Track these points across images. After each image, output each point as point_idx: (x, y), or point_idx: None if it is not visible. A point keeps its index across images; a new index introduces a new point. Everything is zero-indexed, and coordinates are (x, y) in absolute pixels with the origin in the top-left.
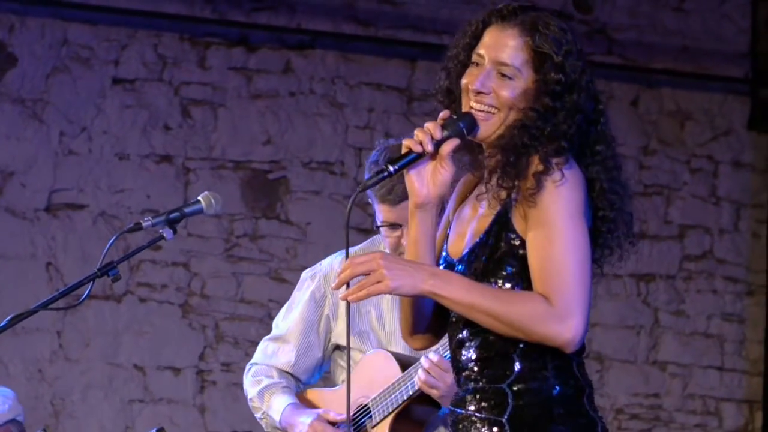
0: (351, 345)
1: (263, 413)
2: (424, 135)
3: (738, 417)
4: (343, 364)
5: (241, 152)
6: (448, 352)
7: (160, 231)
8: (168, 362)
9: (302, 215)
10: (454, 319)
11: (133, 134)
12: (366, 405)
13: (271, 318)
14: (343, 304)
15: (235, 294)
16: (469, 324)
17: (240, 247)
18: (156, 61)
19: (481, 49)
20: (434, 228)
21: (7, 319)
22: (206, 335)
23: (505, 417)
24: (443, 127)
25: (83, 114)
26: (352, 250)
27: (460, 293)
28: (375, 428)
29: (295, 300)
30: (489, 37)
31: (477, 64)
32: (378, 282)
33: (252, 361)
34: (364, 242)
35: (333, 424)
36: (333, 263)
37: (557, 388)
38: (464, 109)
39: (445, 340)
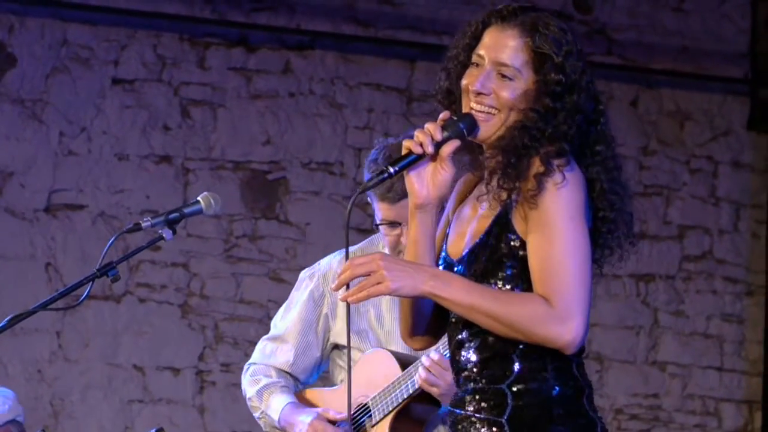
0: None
1: (262, 413)
2: (424, 136)
3: (737, 417)
4: (342, 363)
5: (240, 153)
6: (449, 350)
7: (160, 231)
8: (167, 362)
9: (302, 216)
10: (453, 320)
11: (132, 134)
12: (366, 404)
13: (271, 318)
14: (342, 304)
15: (235, 294)
16: (468, 325)
17: (239, 247)
18: (155, 61)
19: (481, 50)
20: (434, 228)
21: (6, 319)
22: (206, 336)
23: (505, 417)
24: (443, 128)
25: (83, 114)
26: (351, 250)
27: (461, 294)
28: (375, 427)
29: (294, 300)
30: (489, 37)
31: (477, 65)
32: (378, 283)
33: (250, 361)
34: (363, 242)
35: (333, 423)
36: (332, 262)
37: (557, 388)
38: (464, 109)
39: (445, 338)
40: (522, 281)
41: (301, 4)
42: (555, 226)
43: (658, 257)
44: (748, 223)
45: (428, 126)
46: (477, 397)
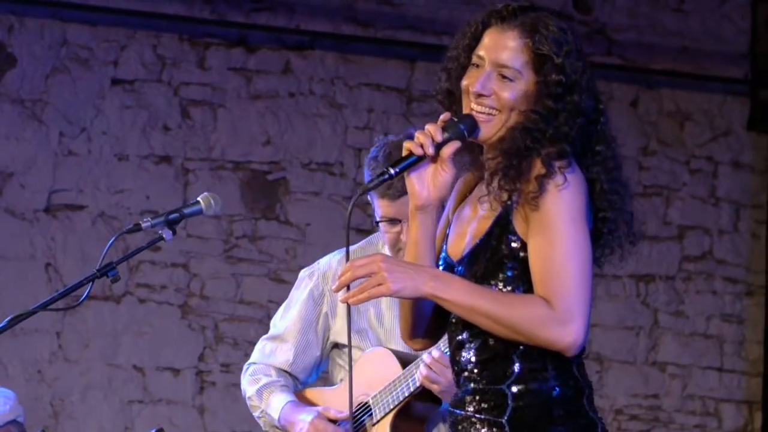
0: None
1: (262, 412)
2: (425, 137)
3: (737, 418)
4: (342, 362)
5: (240, 153)
6: (449, 351)
7: (160, 232)
8: (167, 363)
9: (302, 216)
10: (453, 321)
11: (132, 135)
12: (366, 403)
13: (271, 319)
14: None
15: (235, 295)
16: (468, 326)
17: (239, 248)
18: (155, 61)
19: (481, 51)
20: (435, 229)
21: (6, 320)
22: (206, 336)
23: (505, 418)
24: (444, 129)
25: (83, 114)
26: (350, 249)
27: (461, 296)
28: (376, 426)
29: (293, 299)
30: (489, 38)
31: (477, 66)
32: (379, 285)
33: (250, 361)
34: (362, 241)
35: (334, 422)
36: (331, 262)
37: (557, 389)
38: (465, 110)
39: (446, 336)
40: (523, 282)
41: (300, 5)
42: (556, 228)
43: (658, 258)
44: (748, 224)
45: (429, 127)
46: (477, 397)
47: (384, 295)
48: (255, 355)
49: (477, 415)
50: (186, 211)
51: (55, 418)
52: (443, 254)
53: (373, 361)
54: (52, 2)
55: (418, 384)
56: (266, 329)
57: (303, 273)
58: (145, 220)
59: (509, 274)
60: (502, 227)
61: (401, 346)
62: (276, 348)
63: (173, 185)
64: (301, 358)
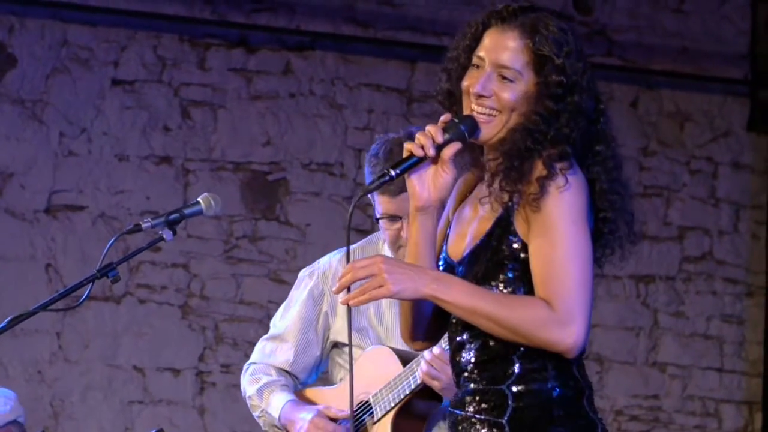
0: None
1: (262, 411)
2: (425, 139)
3: (737, 418)
4: (342, 362)
5: (240, 153)
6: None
7: (160, 232)
8: (167, 363)
9: (302, 216)
10: (453, 321)
11: (132, 135)
12: (367, 401)
13: (270, 319)
14: (341, 297)
15: (235, 295)
16: (468, 326)
17: (239, 248)
18: (155, 62)
19: (481, 52)
20: (435, 230)
21: (6, 320)
22: (206, 336)
23: (505, 418)
24: (444, 130)
25: (83, 115)
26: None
27: (462, 297)
28: (377, 424)
29: (293, 299)
30: (489, 39)
31: (477, 67)
32: (380, 286)
33: (250, 361)
34: (362, 240)
35: (334, 420)
36: (331, 261)
37: (557, 389)
38: (465, 111)
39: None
40: (523, 284)
41: (301, 5)
42: (557, 230)
43: (658, 258)
44: (748, 224)
45: (429, 128)
46: (477, 398)
47: (384, 297)
48: (255, 355)
49: (477, 416)
50: (186, 211)
51: (55, 419)
52: (443, 254)
53: (374, 360)
54: (52, 3)
55: (419, 381)
56: (266, 330)
57: (303, 273)
58: (145, 220)
59: (510, 275)
60: (502, 228)
61: (401, 345)
62: (276, 348)
63: (173, 186)
64: (302, 358)
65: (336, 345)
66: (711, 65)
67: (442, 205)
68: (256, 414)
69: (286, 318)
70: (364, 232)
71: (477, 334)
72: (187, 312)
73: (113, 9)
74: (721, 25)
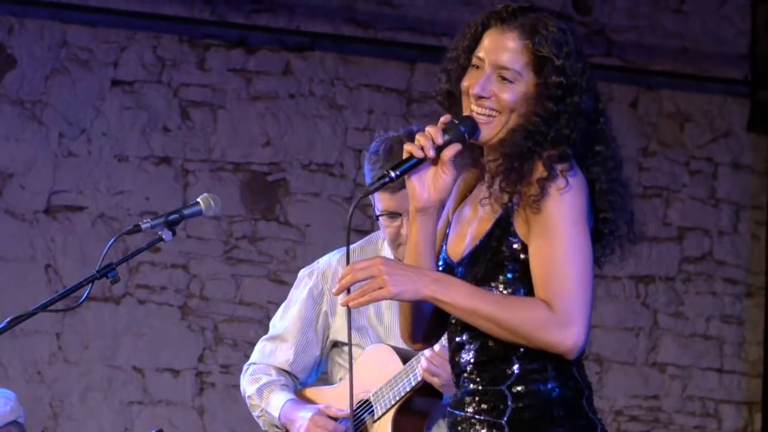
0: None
1: (262, 410)
2: (425, 140)
3: (737, 419)
4: (341, 361)
5: (240, 154)
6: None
7: (159, 233)
8: (167, 364)
9: (301, 217)
10: (453, 322)
11: (132, 136)
12: (367, 400)
13: (270, 319)
14: (341, 299)
15: (234, 296)
16: (468, 327)
17: (239, 249)
18: (155, 62)
19: (480, 53)
20: (435, 231)
21: (6, 320)
22: (205, 337)
23: (505, 419)
24: (444, 131)
25: (82, 116)
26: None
27: (462, 299)
28: (377, 422)
29: (293, 298)
30: (488, 40)
31: (477, 67)
32: (380, 288)
33: (250, 361)
34: (361, 240)
35: (334, 419)
36: (331, 261)
37: (557, 390)
38: (465, 112)
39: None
40: (523, 284)
41: (300, 6)
42: (558, 232)
43: (657, 259)
44: (747, 225)
45: (429, 129)
46: (477, 398)
47: (384, 299)
48: (255, 356)
49: (477, 416)
50: (186, 212)
51: (54, 419)
52: (443, 254)
53: (374, 358)
54: (52, 3)
55: (419, 378)
56: (266, 330)
57: (302, 273)
58: (144, 221)
59: (509, 276)
60: (502, 229)
61: (401, 344)
62: (276, 348)
63: (173, 186)
64: (302, 358)
65: (336, 344)
66: (711, 66)
67: (442, 205)
68: (255, 414)
69: (286, 318)
70: (364, 233)
71: (476, 334)
72: (187, 312)
73: (113, 9)
74: (721, 26)
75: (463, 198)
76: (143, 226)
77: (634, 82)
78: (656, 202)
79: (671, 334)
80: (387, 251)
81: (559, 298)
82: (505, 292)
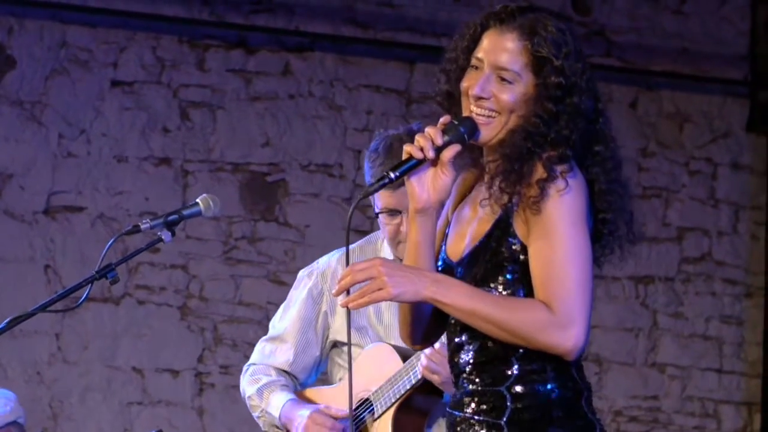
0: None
1: (262, 411)
2: (425, 141)
3: (737, 419)
4: (341, 362)
5: (239, 154)
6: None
7: (159, 233)
8: (166, 364)
9: (301, 218)
10: (452, 322)
11: (131, 137)
12: (367, 398)
13: (270, 320)
14: (340, 300)
15: (234, 296)
16: (467, 328)
17: (238, 249)
18: (155, 63)
19: (479, 53)
20: (434, 232)
21: (5, 321)
22: (205, 337)
23: (504, 419)
24: (444, 132)
25: (82, 116)
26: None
27: (462, 300)
28: (377, 421)
29: (292, 299)
30: (488, 40)
31: (476, 68)
32: (379, 289)
33: (249, 362)
34: (361, 240)
35: (334, 419)
36: (330, 261)
37: (556, 390)
38: (465, 113)
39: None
40: (523, 285)
41: (300, 6)
42: (557, 233)
43: (657, 259)
44: (747, 225)
45: (429, 130)
46: (476, 399)
47: (384, 300)
48: (254, 356)
49: (476, 417)
50: (185, 212)
51: (54, 420)
52: (442, 254)
53: (374, 357)
54: (51, 4)
55: (419, 376)
56: (265, 331)
57: (302, 273)
58: (144, 221)
59: (509, 276)
60: (502, 230)
61: (400, 343)
62: (276, 348)
63: (172, 187)
64: (301, 358)
65: (335, 344)
66: (710, 66)
67: (442, 206)
68: (255, 414)
69: (286, 318)
70: (364, 233)
71: (475, 335)
72: (186, 313)
73: (112, 10)
74: (721, 26)
75: (462, 198)
76: (142, 226)
77: (633, 83)
78: (656, 202)
79: (671, 334)
80: (387, 251)
81: (559, 299)
82: (504, 292)
